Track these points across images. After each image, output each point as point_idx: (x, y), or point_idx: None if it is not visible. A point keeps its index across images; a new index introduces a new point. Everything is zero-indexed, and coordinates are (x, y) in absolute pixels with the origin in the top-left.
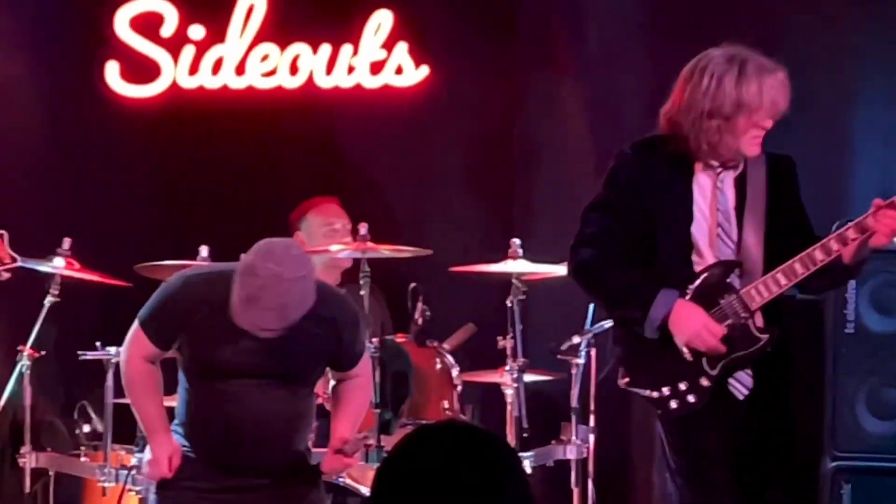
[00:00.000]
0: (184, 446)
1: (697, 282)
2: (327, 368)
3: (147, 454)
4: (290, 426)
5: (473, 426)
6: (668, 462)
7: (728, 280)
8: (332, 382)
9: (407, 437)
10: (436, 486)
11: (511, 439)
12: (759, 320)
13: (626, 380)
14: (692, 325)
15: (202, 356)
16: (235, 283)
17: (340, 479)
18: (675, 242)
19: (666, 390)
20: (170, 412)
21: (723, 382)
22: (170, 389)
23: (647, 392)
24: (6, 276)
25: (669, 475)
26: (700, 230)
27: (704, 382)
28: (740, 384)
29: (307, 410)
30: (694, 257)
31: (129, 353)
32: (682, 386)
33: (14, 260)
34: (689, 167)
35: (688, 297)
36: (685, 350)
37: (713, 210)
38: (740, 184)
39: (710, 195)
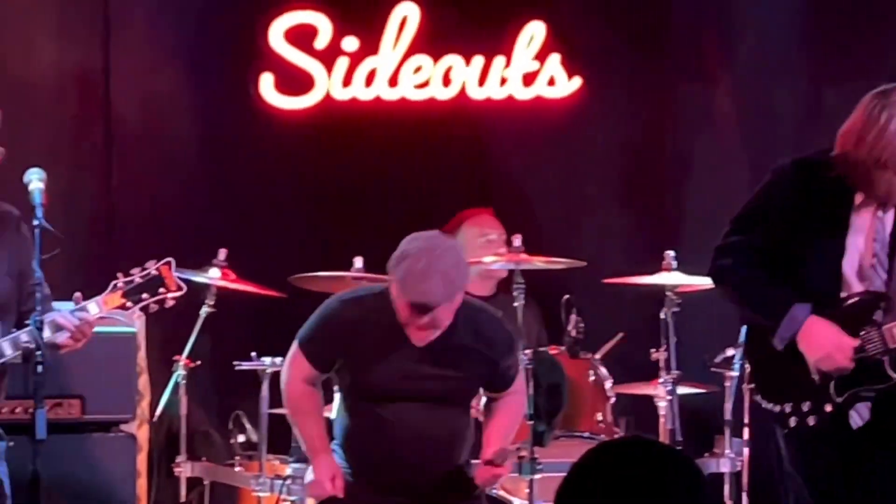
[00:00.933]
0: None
1: (842, 307)
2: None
3: (310, 474)
4: (449, 446)
5: (658, 442)
6: (785, 475)
7: (873, 313)
8: (483, 399)
9: (592, 450)
10: (620, 501)
11: None
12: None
13: (752, 386)
14: (823, 345)
15: (361, 379)
16: (393, 274)
17: (494, 491)
18: (823, 273)
19: (788, 407)
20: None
21: (844, 409)
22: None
23: (770, 405)
24: (171, 303)
25: (784, 487)
26: (851, 265)
27: (828, 408)
28: (857, 414)
29: (464, 429)
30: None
31: (290, 375)
32: (805, 406)
33: (180, 288)
34: (850, 196)
35: None
36: (815, 372)
37: (869, 241)
38: None
39: (869, 225)
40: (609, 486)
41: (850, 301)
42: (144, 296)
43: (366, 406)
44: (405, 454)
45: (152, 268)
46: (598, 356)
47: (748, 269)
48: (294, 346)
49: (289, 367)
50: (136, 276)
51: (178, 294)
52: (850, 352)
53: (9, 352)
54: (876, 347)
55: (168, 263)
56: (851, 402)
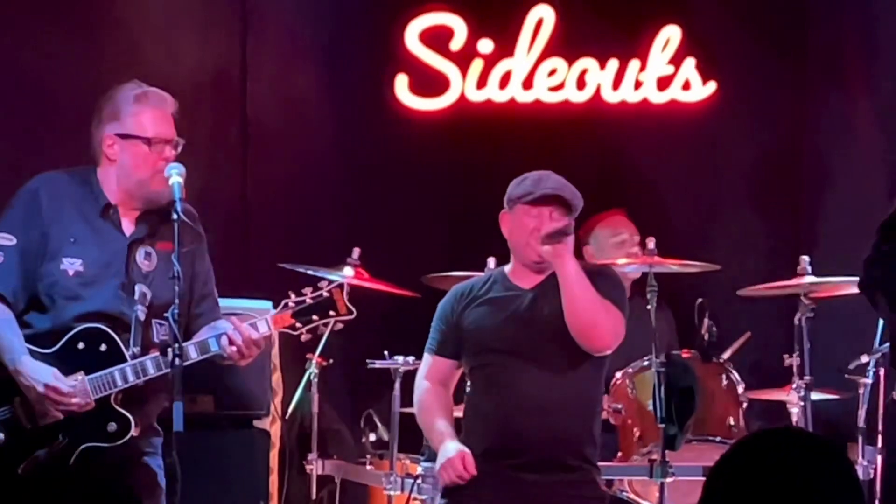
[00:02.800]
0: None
1: None
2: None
3: (437, 464)
4: (565, 408)
5: (811, 433)
6: None
7: None
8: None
9: (742, 441)
10: (770, 490)
11: None
12: None
13: None
14: None
15: (479, 333)
16: (513, 200)
17: (624, 493)
18: None
19: None
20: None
21: None
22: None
23: None
24: (340, 326)
25: None
26: None
27: None
28: None
29: (582, 397)
30: None
31: (421, 377)
32: None
33: (350, 312)
34: None
35: None
36: None
37: None
38: None
39: None
40: (758, 475)
41: None
42: (314, 317)
43: (480, 366)
44: (519, 409)
45: (324, 289)
46: (725, 356)
47: None
48: (424, 358)
49: (422, 374)
50: (308, 296)
51: (348, 318)
52: None
53: (194, 355)
54: None
55: (341, 286)
56: None
